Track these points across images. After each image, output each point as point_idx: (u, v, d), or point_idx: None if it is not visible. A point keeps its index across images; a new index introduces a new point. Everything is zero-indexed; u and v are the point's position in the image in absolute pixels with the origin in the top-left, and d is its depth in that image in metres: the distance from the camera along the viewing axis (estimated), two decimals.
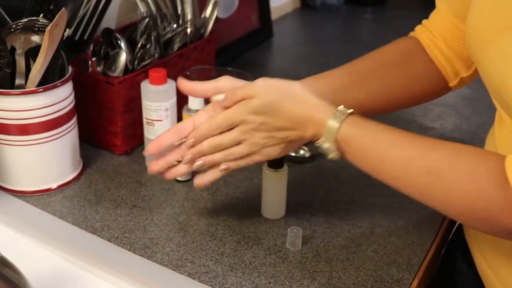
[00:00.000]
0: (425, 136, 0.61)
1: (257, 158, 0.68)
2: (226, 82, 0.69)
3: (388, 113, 0.79)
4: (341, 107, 0.63)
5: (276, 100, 0.64)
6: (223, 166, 0.69)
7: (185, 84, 0.70)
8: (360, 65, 0.76)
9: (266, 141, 0.66)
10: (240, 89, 0.66)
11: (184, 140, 0.69)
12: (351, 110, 0.63)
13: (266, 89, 0.65)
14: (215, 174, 0.70)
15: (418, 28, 0.78)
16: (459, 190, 0.56)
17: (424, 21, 0.77)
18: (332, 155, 0.63)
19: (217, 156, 0.68)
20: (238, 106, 0.65)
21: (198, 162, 0.69)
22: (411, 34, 0.78)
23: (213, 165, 0.69)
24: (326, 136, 0.62)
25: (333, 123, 0.62)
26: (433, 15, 0.76)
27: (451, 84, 0.75)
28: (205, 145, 0.68)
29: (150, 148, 0.70)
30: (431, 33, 0.75)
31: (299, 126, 0.64)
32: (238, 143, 0.67)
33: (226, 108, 0.66)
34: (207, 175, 0.70)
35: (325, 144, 0.63)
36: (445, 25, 0.73)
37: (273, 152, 0.67)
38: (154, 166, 0.71)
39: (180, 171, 0.71)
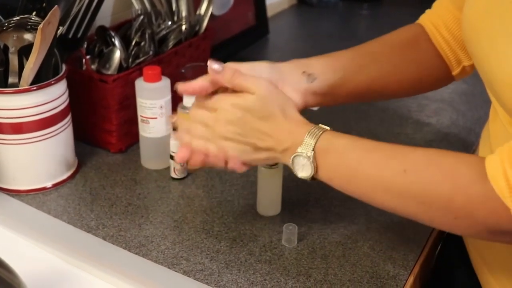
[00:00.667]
0: (403, 145, 0.61)
1: (210, 146, 0.65)
2: (230, 66, 0.67)
3: (402, 96, 0.80)
4: (319, 126, 0.63)
5: (271, 104, 0.64)
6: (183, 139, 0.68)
7: (181, 86, 0.68)
8: (371, 47, 0.77)
9: (233, 135, 0.64)
10: (245, 81, 0.65)
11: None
12: (327, 128, 0.63)
13: (268, 91, 0.65)
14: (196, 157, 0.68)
15: (422, 16, 0.78)
16: (437, 186, 0.56)
17: (427, 11, 0.78)
18: (305, 171, 0.62)
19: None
20: (230, 98, 0.65)
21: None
22: (416, 22, 0.79)
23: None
24: (304, 145, 0.62)
25: (314, 131, 0.62)
26: (435, 4, 0.77)
27: (454, 73, 0.76)
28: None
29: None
30: (434, 20, 0.76)
31: (278, 135, 0.63)
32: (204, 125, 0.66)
33: (215, 82, 0.66)
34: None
35: (303, 153, 0.62)
36: (447, 14, 0.74)
37: (231, 149, 0.65)
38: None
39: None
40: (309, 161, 0.62)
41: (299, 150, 0.62)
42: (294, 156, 0.63)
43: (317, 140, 0.62)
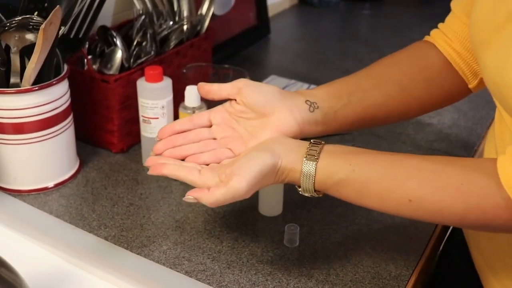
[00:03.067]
0: (404, 159, 0.60)
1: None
2: (241, 81, 0.69)
3: (410, 118, 0.78)
4: (304, 163, 0.61)
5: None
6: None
7: (203, 87, 0.69)
8: (377, 69, 0.75)
9: None
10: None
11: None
12: (319, 148, 0.62)
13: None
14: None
15: (433, 32, 0.77)
16: (447, 209, 0.55)
17: (439, 25, 0.76)
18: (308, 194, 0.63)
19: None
20: None
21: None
22: (426, 38, 0.77)
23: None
24: (303, 189, 0.62)
25: (307, 169, 0.61)
26: (448, 18, 0.76)
27: (470, 86, 0.74)
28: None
29: (163, 132, 0.69)
30: (446, 36, 0.74)
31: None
32: None
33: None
34: None
35: (306, 194, 0.63)
36: (460, 26, 0.73)
37: None
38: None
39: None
40: (310, 194, 0.62)
41: (300, 191, 0.63)
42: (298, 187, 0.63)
43: (313, 182, 0.61)
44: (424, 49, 0.76)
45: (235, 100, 0.69)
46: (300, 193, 0.63)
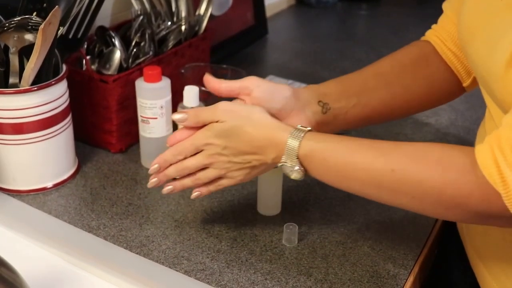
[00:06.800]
0: (388, 141, 0.62)
1: (225, 182, 0.69)
2: (252, 81, 0.69)
3: (410, 115, 0.81)
4: (299, 126, 0.64)
5: (237, 125, 0.65)
6: (195, 193, 0.71)
7: (212, 82, 0.71)
8: (382, 68, 0.77)
9: (230, 165, 0.67)
10: (203, 113, 0.67)
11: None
12: (309, 128, 0.64)
13: (228, 113, 0.65)
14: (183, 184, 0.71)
15: (428, 33, 0.79)
16: (426, 181, 0.56)
17: (433, 26, 0.79)
18: (295, 174, 0.64)
19: (186, 181, 0.70)
20: (201, 131, 0.67)
21: (169, 187, 0.71)
22: (423, 38, 0.79)
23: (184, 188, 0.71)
24: (287, 155, 0.63)
25: (292, 142, 0.63)
26: (441, 19, 0.78)
27: (464, 84, 0.76)
28: (171, 170, 0.69)
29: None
30: (440, 35, 0.76)
31: (259, 150, 0.65)
32: (205, 167, 0.68)
33: (187, 128, 0.68)
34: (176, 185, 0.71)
35: (288, 163, 0.63)
36: (452, 27, 0.75)
37: (238, 176, 0.68)
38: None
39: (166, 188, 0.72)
40: (294, 168, 0.63)
41: (283, 159, 0.64)
42: (281, 166, 0.64)
43: (298, 147, 0.62)
44: (424, 47, 0.77)
45: (244, 100, 0.70)
46: (280, 164, 0.64)
